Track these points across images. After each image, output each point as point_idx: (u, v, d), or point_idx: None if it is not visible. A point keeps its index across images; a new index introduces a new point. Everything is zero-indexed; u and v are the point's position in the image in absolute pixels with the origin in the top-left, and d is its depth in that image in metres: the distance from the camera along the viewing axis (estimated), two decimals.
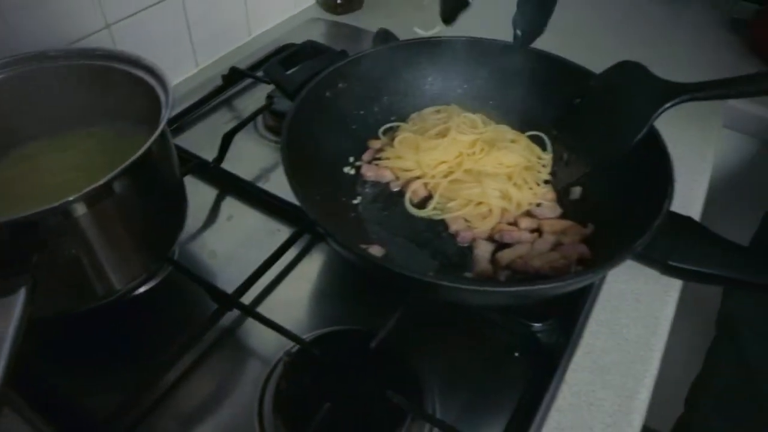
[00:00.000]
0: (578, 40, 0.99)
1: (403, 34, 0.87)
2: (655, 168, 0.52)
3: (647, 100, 0.53)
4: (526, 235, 0.58)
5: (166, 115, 0.48)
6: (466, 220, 0.60)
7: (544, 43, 0.67)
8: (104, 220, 0.45)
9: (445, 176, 0.62)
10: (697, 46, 1.00)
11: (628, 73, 0.57)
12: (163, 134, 0.48)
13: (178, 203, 0.56)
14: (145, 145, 0.45)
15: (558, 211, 0.61)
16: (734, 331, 0.81)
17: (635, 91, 0.56)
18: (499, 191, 0.60)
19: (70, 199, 0.41)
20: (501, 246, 0.58)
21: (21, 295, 0.37)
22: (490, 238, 0.59)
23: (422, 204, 0.62)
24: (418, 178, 0.62)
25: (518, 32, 0.64)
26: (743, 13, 1.04)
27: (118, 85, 0.55)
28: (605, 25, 1.07)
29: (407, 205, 0.61)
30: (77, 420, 0.48)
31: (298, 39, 0.93)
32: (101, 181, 0.42)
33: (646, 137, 0.54)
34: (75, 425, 0.48)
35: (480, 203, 0.60)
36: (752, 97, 0.53)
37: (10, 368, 0.34)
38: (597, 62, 0.64)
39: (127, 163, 0.44)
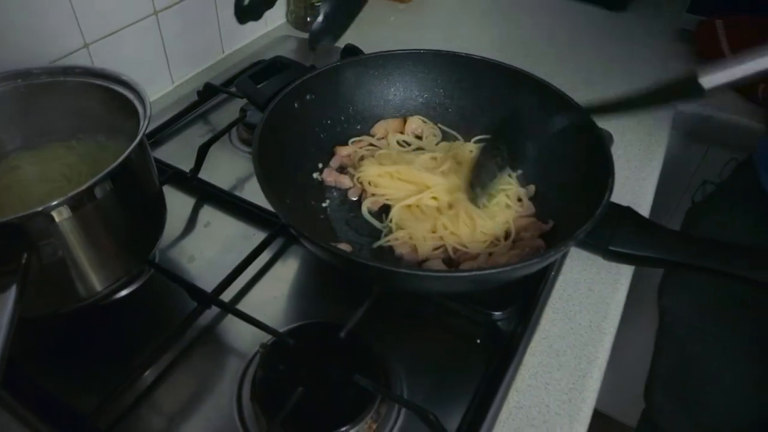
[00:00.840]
0: (531, 51, 1.06)
1: (369, 50, 0.92)
2: (598, 166, 0.57)
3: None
4: (482, 255, 0.60)
5: (144, 125, 0.52)
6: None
7: (500, 56, 0.72)
8: (87, 224, 0.48)
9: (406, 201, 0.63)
10: (647, 56, 1.07)
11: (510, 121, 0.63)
12: (141, 143, 0.52)
13: (158, 210, 0.60)
14: (125, 153, 0.48)
15: (532, 209, 0.64)
16: (669, 322, 0.87)
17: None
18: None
19: (55, 203, 0.44)
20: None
21: (12, 293, 0.40)
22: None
23: (380, 213, 0.65)
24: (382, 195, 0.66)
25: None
26: (690, 24, 1.11)
27: (98, 99, 0.58)
28: (557, 36, 1.13)
29: (364, 211, 0.65)
30: (63, 416, 0.51)
31: (270, 56, 0.97)
32: (83, 186, 0.46)
33: (593, 140, 0.59)
34: (60, 422, 0.50)
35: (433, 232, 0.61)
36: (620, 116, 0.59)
37: (4, 359, 0.37)
38: (548, 72, 0.69)
39: (108, 169, 0.47)
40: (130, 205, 0.53)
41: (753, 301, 0.77)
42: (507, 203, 0.63)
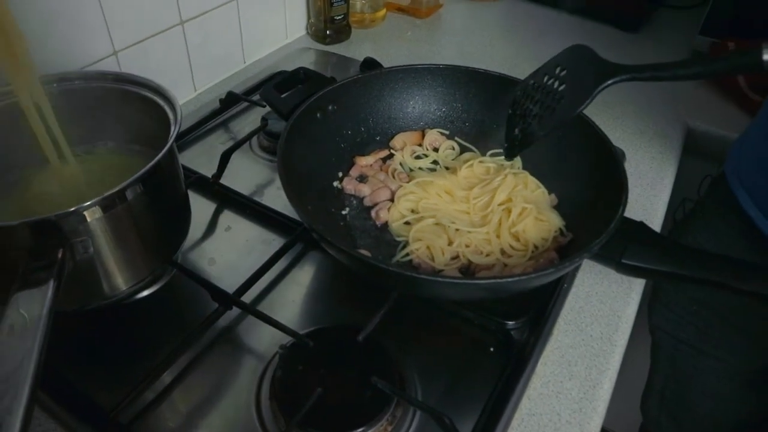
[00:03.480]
0: None
1: (387, 63, 0.94)
2: (612, 181, 0.58)
3: (593, 76, 0.57)
4: (498, 266, 0.61)
5: (175, 130, 0.54)
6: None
7: (514, 72, 0.74)
8: (117, 224, 0.50)
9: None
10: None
11: (577, 53, 0.62)
12: (171, 148, 0.54)
13: (183, 213, 0.62)
14: (156, 157, 0.50)
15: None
16: (659, 339, 0.90)
17: (583, 69, 0.59)
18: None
19: (89, 203, 0.46)
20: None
21: (50, 287, 0.42)
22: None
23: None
24: (390, 200, 0.68)
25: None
26: (703, 46, 1.13)
27: (129, 105, 0.61)
28: None
29: (373, 217, 0.67)
30: (85, 409, 0.52)
31: (290, 67, 0.99)
32: (116, 189, 0.48)
33: (607, 158, 0.61)
34: (83, 414, 0.52)
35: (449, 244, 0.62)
36: (685, 80, 0.58)
37: (45, 346, 0.39)
38: None
39: (140, 172, 0.49)
40: (157, 208, 0.55)
41: (737, 318, 0.80)
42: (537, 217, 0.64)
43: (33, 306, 0.41)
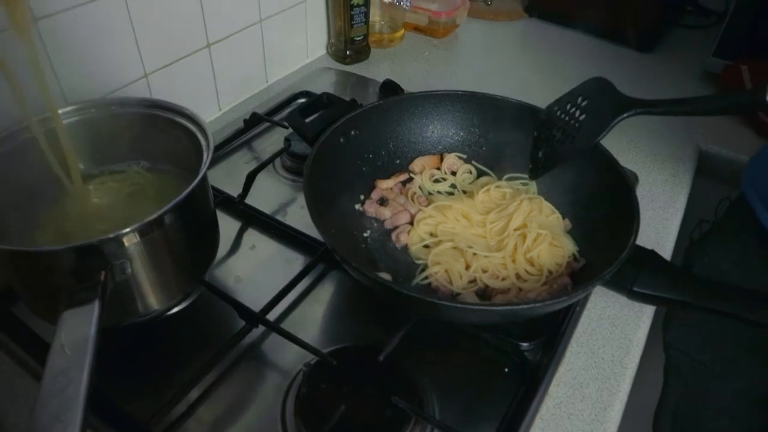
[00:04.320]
0: (558, 90, 1.09)
1: (405, 83, 0.97)
2: (625, 209, 0.61)
3: (611, 109, 0.61)
4: (513, 290, 0.63)
5: (208, 158, 0.57)
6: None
7: (528, 94, 0.76)
8: (153, 248, 0.53)
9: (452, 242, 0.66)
10: (672, 96, 1.10)
11: (598, 85, 0.65)
12: (204, 175, 0.57)
13: (212, 233, 0.64)
14: (192, 184, 0.53)
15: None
16: (674, 357, 0.92)
17: (602, 101, 0.63)
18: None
19: (127, 230, 0.49)
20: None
21: (96, 306, 0.45)
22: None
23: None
24: (410, 224, 0.70)
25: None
26: (716, 67, 1.14)
27: (163, 128, 0.64)
28: (585, 74, 1.17)
29: (394, 240, 0.69)
30: (120, 422, 0.55)
31: (311, 87, 1.04)
32: (153, 216, 0.51)
33: (620, 185, 0.63)
34: (118, 426, 0.55)
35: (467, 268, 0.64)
36: (695, 115, 0.61)
37: (93, 362, 0.42)
38: None
39: (176, 200, 0.52)
40: (190, 230, 0.58)
41: (751, 339, 0.81)
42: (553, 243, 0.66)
43: (81, 325, 0.44)
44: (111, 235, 0.48)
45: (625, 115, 0.58)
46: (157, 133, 0.65)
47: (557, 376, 0.61)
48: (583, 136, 0.61)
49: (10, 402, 0.57)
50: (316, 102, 0.76)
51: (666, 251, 0.78)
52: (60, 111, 0.61)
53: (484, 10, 1.37)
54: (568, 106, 0.64)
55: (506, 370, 0.62)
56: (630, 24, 1.25)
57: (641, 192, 0.86)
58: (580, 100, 0.63)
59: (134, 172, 0.67)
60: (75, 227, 0.62)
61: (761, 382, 0.85)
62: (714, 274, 0.81)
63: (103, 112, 0.64)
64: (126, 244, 0.50)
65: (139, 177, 0.67)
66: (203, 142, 0.60)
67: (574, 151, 0.62)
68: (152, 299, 0.57)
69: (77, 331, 0.44)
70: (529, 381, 0.60)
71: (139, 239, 0.51)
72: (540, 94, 0.75)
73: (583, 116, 0.62)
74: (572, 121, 0.63)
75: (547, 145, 0.65)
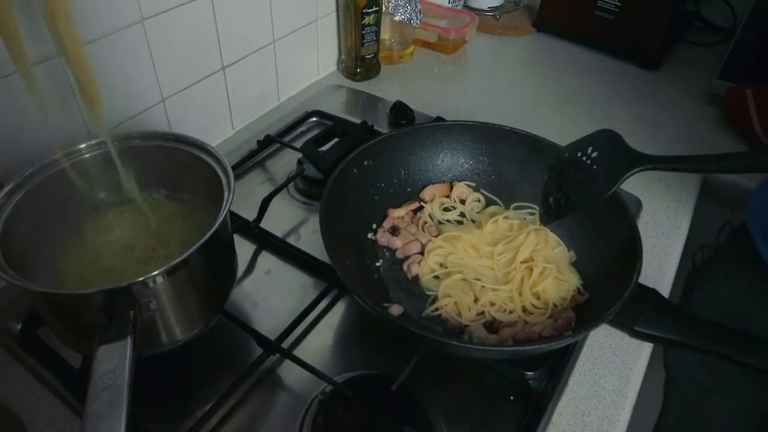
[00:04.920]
0: (564, 108, 1.12)
1: (415, 103, 0.99)
2: (629, 247, 0.63)
3: (620, 164, 0.63)
4: (520, 323, 0.65)
5: (230, 197, 0.59)
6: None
7: (535, 114, 0.78)
8: (177, 286, 0.56)
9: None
10: (676, 118, 1.12)
11: (608, 138, 0.66)
12: (226, 215, 0.59)
13: (231, 262, 0.67)
14: (215, 225, 0.56)
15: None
16: (674, 377, 0.95)
17: (611, 155, 0.65)
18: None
19: (156, 272, 0.52)
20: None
21: (129, 341, 0.48)
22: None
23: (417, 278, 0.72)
24: (420, 254, 0.73)
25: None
26: (720, 89, 1.16)
27: (184, 162, 0.66)
28: (591, 92, 1.19)
29: (405, 270, 0.72)
30: None
31: (322, 106, 1.06)
32: (179, 259, 0.53)
33: (625, 223, 0.65)
34: None
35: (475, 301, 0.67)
36: (702, 173, 0.64)
37: (131, 392, 0.45)
38: (579, 131, 0.73)
39: (201, 241, 0.54)
40: (211, 266, 0.61)
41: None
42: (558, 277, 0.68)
43: (116, 359, 0.48)
44: (139, 279, 0.51)
45: (635, 170, 0.60)
46: (177, 164, 0.67)
47: (560, 405, 0.64)
48: (593, 190, 0.63)
49: (44, 426, 0.60)
50: (330, 132, 0.78)
51: (667, 279, 0.80)
52: (83, 145, 0.65)
53: (493, 25, 1.39)
54: (579, 154, 0.66)
55: (511, 397, 0.64)
56: (636, 41, 1.27)
57: (645, 218, 0.89)
58: (590, 150, 0.65)
59: (154, 200, 0.70)
60: (100, 256, 0.65)
61: (758, 403, 0.87)
62: (714, 304, 0.84)
63: (126, 144, 0.66)
64: (153, 284, 0.53)
65: (158, 206, 0.70)
66: (224, 180, 0.62)
67: (584, 204, 0.64)
68: (176, 331, 0.59)
69: (113, 365, 0.47)
70: (533, 409, 0.63)
71: (165, 278, 0.54)
72: (543, 114, 0.76)
73: (594, 166, 0.64)
74: (582, 173, 0.65)
75: (558, 192, 0.67)
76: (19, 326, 0.68)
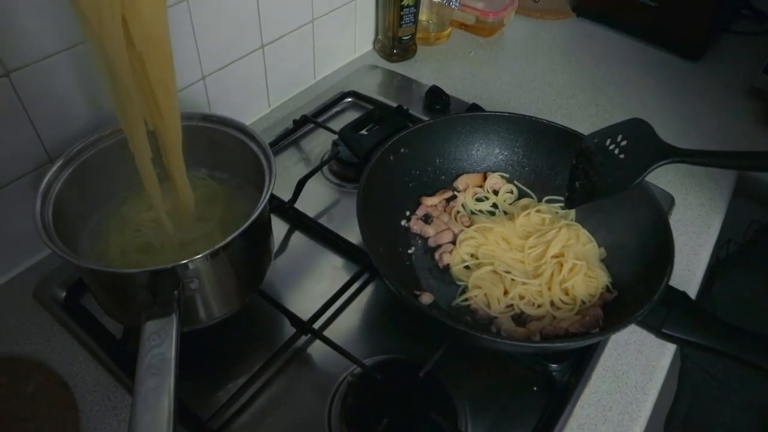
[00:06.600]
0: (601, 100, 1.11)
1: (450, 87, 0.98)
2: (660, 249, 0.63)
3: (649, 155, 0.63)
4: (548, 317, 0.66)
5: (272, 183, 0.61)
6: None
7: (570, 103, 0.78)
8: (219, 267, 0.59)
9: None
10: (714, 112, 1.10)
11: (638, 127, 0.67)
12: (266, 202, 0.61)
13: (268, 243, 0.69)
14: (256, 211, 0.57)
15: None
16: (688, 368, 0.96)
17: (641, 145, 0.65)
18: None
19: (200, 255, 0.54)
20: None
21: (174, 318, 0.51)
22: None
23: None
24: (452, 243, 0.74)
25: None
26: (764, 84, 1.13)
27: (226, 145, 0.68)
28: (628, 83, 1.17)
29: (437, 259, 0.73)
30: (184, 416, 0.62)
31: (358, 86, 1.06)
32: (222, 242, 0.55)
33: (658, 222, 0.66)
34: (183, 418, 0.61)
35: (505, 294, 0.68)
36: (732, 169, 0.63)
37: (177, 367, 0.48)
38: (611, 122, 0.70)
39: (244, 226, 0.56)
40: (251, 247, 0.63)
41: None
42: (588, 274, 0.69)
43: (162, 335, 0.50)
44: (184, 261, 0.53)
45: (663, 162, 0.60)
46: (219, 146, 0.69)
47: (582, 398, 0.66)
48: (620, 177, 0.63)
49: (88, 392, 0.63)
50: (367, 117, 0.79)
51: (696, 278, 0.80)
52: None
53: (532, 9, 1.37)
54: (608, 142, 0.66)
55: (535, 388, 0.66)
56: (679, 30, 1.24)
57: (676, 215, 0.88)
58: (620, 138, 0.65)
59: (196, 178, 0.72)
60: (141, 231, 0.68)
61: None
62: (733, 299, 0.84)
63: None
64: (196, 265, 0.55)
65: (199, 185, 0.71)
66: (265, 164, 0.64)
67: (610, 191, 0.64)
68: (214, 309, 0.62)
69: (160, 340, 0.50)
70: (556, 400, 0.65)
71: (208, 260, 0.56)
72: (579, 103, 0.76)
73: (621, 155, 0.64)
74: (610, 160, 0.65)
75: (585, 178, 0.68)
76: (64, 294, 0.71)
